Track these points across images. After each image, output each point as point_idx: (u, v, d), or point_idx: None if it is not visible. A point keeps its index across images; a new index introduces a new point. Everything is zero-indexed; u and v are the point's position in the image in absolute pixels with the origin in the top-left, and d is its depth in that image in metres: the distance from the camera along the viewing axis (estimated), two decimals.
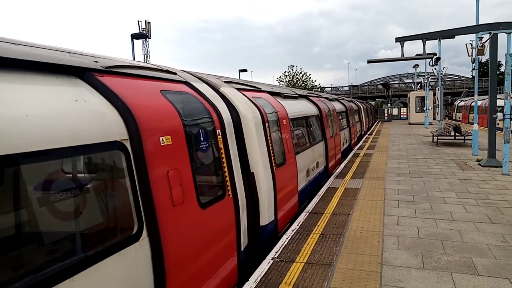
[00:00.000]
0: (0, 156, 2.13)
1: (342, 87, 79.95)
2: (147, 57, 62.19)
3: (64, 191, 2.73)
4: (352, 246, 5.57)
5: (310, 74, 61.75)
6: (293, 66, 60.51)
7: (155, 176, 3.30)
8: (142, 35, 56.92)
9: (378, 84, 72.79)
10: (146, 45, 62.56)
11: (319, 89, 63.36)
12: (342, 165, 12.82)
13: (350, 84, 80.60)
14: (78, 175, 3.00)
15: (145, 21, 58.58)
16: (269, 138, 6.39)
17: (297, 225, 6.55)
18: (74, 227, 2.86)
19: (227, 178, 4.83)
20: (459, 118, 43.18)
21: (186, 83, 4.90)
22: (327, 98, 16.00)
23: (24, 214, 2.59)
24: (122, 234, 3.06)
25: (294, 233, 6.17)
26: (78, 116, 2.80)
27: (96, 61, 3.44)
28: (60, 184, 2.76)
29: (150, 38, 61.19)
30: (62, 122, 2.64)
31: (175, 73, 4.87)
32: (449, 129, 18.84)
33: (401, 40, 14.47)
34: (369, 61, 17.12)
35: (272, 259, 5.16)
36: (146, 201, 3.16)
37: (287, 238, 5.92)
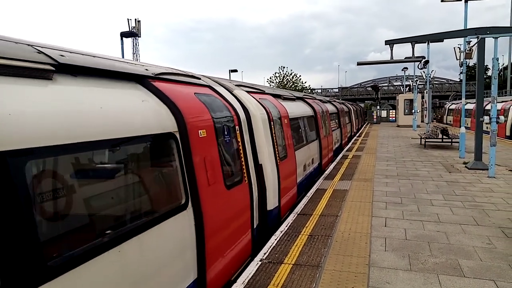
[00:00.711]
0: (108, 139, 3.06)
1: (332, 88, 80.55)
2: (136, 55, 61.76)
3: (137, 170, 3.83)
4: (340, 247, 5.59)
5: (300, 76, 61.96)
6: (283, 67, 60.62)
7: (196, 161, 4.22)
8: (132, 33, 56.54)
9: (368, 86, 73.43)
10: (136, 44, 62.12)
11: (309, 90, 63.62)
12: (332, 166, 12.88)
13: (340, 86, 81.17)
14: (149, 157, 4.00)
15: (135, 19, 58.22)
16: (273, 135, 7.23)
17: (286, 226, 6.55)
18: (148, 195, 3.88)
19: (244, 167, 5.75)
20: (450, 121, 42.40)
21: (209, 87, 5.72)
22: (320, 100, 16.72)
23: (130, 181, 3.66)
24: (175, 203, 3.93)
25: (283, 234, 6.16)
26: (146, 113, 3.69)
27: (146, 69, 4.29)
28: (138, 164, 3.86)
29: (140, 37, 60.85)
30: (139, 117, 3.55)
31: (199, 78, 5.71)
32: (436, 131, 19.05)
33: (390, 43, 14.62)
34: (358, 63, 17.26)
35: (260, 261, 5.14)
36: (191, 179, 4.08)
37: (275, 239, 5.91)
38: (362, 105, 67.94)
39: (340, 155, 15.74)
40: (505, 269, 4.79)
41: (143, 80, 4.03)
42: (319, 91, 75.59)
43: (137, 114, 3.55)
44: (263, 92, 8.42)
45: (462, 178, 10.51)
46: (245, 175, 5.73)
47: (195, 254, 4.12)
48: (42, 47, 3.06)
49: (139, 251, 3.20)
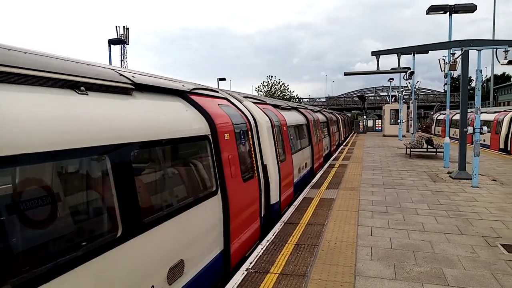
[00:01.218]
0: (171, 139, 4.32)
1: (319, 98, 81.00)
2: (124, 63, 61.39)
3: (187, 163, 5.08)
4: (326, 256, 5.59)
5: (288, 85, 62.22)
6: (271, 76, 60.82)
7: (223, 158, 5.43)
8: (120, 41, 56.17)
9: (354, 96, 74.00)
10: (124, 51, 61.81)
11: (297, 99, 63.93)
12: (319, 174, 12.94)
13: (327, 96, 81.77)
14: (194, 153, 5.24)
15: (124, 26, 57.93)
16: (275, 140, 8.35)
17: (273, 235, 6.53)
18: (189, 187, 4.98)
19: (255, 165, 6.90)
20: (439, 132, 41.10)
21: (227, 99, 6.90)
22: (312, 110, 18.26)
23: (183, 171, 4.96)
24: (210, 189, 5.10)
25: (269, 243, 6.14)
26: (190, 120, 4.91)
27: (183, 85, 5.40)
28: (187, 158, 5.10)
29: (128, 44, 60.52)
30: (186, 122, 4.79)
31: (218, 91, 6.91)
32: (421, 141, 19.30)
33: (377, 54, 14.80)
34: (345, 74, 17.43)
35: (246, 270, 5.11)
36: (219, 172, 5.30)
37: (262, 249, 5.89)
38: (349, 114, 68.51)
39: (327, 164, 15.83)
40: (488, 278, 4.86)
41: (183, 94, 5.22)
42: (307, 100, 76.02)
43: (185, 120, 4.80)
44: (265, 103, 9.65)
45: (446, 188, 10.65)
46: (256, 172, 6.91)
47: (222, 231, 5.29)
48: (120, 70, 4.16)
49: (188, 222, 4.37)
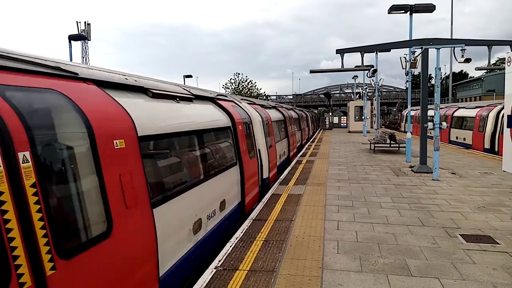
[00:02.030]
0: (214, 128, 7.08)
1: (287, 95, 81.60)
2: (86, 59, 59.45)
3: (222, 144, 7.62)
4: (295, 251, 5.65)
5: (255, 82, 62.17)
6: (238, 73, 60.56)
7: (239, 141, 8.15)
8: (81, 36, 54.38)
9: (320, 94, 75.04)
10: (85, 47, 59.87)
11: (264, 97, 64.07)
12: (286, 171, 13.07)
13: (294, 93, 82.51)
14: (225, 137, 7.66)
15: (85, 22, 56.13)
16: (264, 131, 10.96)
17: (241, 232, 6.52)
18: (225, 158, 7.43)
19: (255, 148, 9.68)
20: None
21: (233, 101, 9.56)
22: (286, 108, 21.19)
23: (222, 148, 7.62)
24: (234, 161, 7.71)
25: (238, 240, 6.14)
26: (220, 116, 7.63)
27: (210, 93, 8.18)
28: (221, 142, 7.57)
29: (90, 40, 58.69)
30: (218, 118, 7.53)
31: (227, 96, 9.88)
32: (385, 137, 19.84)
33: (341, 52, 15.02)
34: (311, 71, 17.58)
35: (215, 268, 5.08)
36: (237, 150, 8.02)
37: (230, 246, 5.87)
38: (316, 111, 69.44)
39: (295, 161, 16.02)
40: (448, 267, 5.06)
41: (212, 99, 7.97)
42: (274, 97, 76.40)
43: (218, 116, 7.47)
44: (254, 103, 12.52)
45: (408, 181, 11.01)
46: (256, 153, 9.65)
47: (240, 189, 7.97)
48: (182, 86, 6.82)
49: (226, 178, 7.09)
